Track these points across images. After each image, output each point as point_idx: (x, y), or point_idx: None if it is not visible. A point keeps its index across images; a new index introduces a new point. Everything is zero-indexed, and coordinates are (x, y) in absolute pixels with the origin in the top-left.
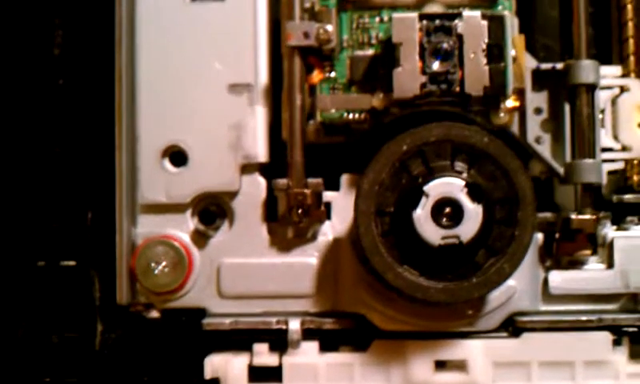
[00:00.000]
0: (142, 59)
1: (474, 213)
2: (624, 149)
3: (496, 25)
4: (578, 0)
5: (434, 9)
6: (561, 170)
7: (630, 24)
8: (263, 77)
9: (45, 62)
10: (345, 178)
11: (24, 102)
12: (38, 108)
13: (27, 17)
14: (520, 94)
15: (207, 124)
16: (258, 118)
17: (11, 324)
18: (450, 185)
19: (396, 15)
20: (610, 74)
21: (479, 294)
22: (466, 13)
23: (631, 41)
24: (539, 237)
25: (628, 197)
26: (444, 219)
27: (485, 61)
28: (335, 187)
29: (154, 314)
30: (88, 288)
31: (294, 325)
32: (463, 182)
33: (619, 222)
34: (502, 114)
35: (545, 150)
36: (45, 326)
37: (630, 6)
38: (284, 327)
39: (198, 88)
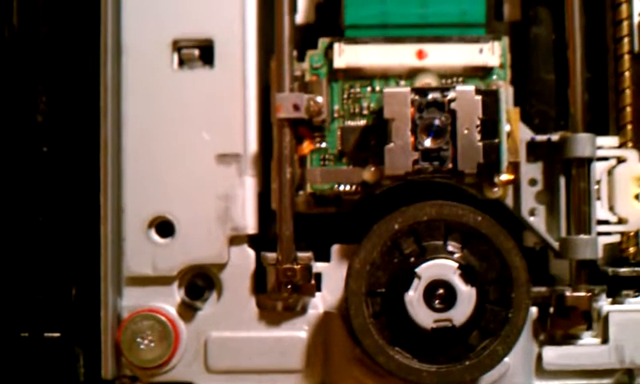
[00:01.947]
0: (128, 127)
1: (467, 295)
2: (620, 221)
3: (490, 100)
4: (574, 72)
5: (426, 80)
6: (555, 245)
7: (628, 92)
8: (252, 146)
9: (28, 129)
10: (335, 249)
11: (7, 169)
12: (22, 176)
13: (10, 83)
14: (514, 166)
15: (195, 194)
16: (247, 189)
17: None
18: (442, 267)
19: (387, 90)
20: (606, 144)
21: (472, 378)
22: (460, 88)
23: (628, 109)
24: (533, 311)
25: (624, 270)
26: (436, 301)
27: (478, 137)
28: (326, 257)
29: None
30: (72, 362)
31: None
32: (456, 264)
33: (614, 295)
34: (495, 189)
35: (539, 222)
36: None
37: (627, 74)
38: None
39: (185, 158)
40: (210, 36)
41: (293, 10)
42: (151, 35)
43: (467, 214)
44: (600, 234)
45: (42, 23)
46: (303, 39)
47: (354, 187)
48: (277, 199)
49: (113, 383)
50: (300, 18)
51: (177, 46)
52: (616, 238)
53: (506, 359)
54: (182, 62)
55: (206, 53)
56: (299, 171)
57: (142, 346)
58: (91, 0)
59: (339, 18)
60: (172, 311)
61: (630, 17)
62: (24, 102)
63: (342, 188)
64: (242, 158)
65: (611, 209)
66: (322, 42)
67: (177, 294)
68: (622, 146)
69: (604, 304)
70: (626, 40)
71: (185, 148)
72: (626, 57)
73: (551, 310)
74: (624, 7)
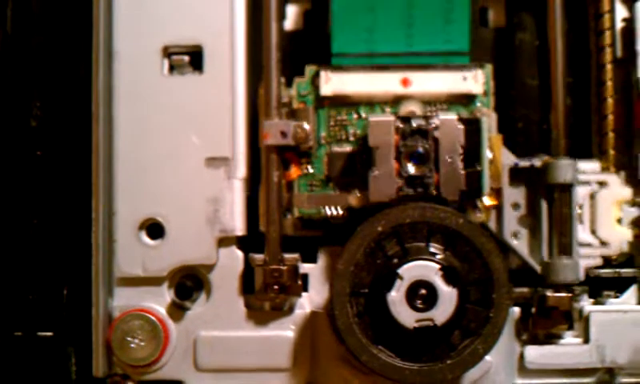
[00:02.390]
0: (119, 131)
1: (448, 296)
2: (602, 244)
3: (472, 128)
4: (556, 98)
5: (411, 107)
6: (538, 267)
7: (610, 118)
8: (241, 150)
9: (22, 134)
10: (322, 251)
11: (1, 173)
12: (16, 179)
13: (5, 88)
14: (497, 191)
15: (185, 197)
16: (236, 192)
17: None
18: (424, 268)
19: (372, 118)
20: (589, 169)
21: (453, 376)
22: (443, 116)
23: (610, 135)
24: (516, 311)
25: (605, 272)
26: (418, 302)
27: (461, 164)
28: (313, 258)
29: None
30: (64, 361)
31: None
32: (438, 265)
33: (596, 296)
34: (478, 213)
35: (522, 245)
36: None
37: (610, 100)
38: None
39: (175, 161)
40: (199, 42)
41: (281, 16)
42: (142, 42)
43: (449, 216)
44: (582, 256)
45: (35, 30)
46: (291, 63)
47: (340, 211)
48: (265, 218)
49: (104, 381)
50: (288, 25)
51: (167, 52)
52: (598, 261)
53: (490, 358)
54: (172, 68)
55: (195, 59)
56: (287, 195)
57: (132, 345)
58: (84, 7)
59: (325, 26)
60: (162, 311)
61: (613, 27)
62: (18, 107)
63: (328, 212)
64: (231, 161)
65: (593, 232)
66: (309, 69)
67: (166, 294)
68: (603, 170)
69: (586, 304)
70: (608, 49)
71: (175, 152)
72: (609, 66)
73: (533, 310)
74: (607, 16)
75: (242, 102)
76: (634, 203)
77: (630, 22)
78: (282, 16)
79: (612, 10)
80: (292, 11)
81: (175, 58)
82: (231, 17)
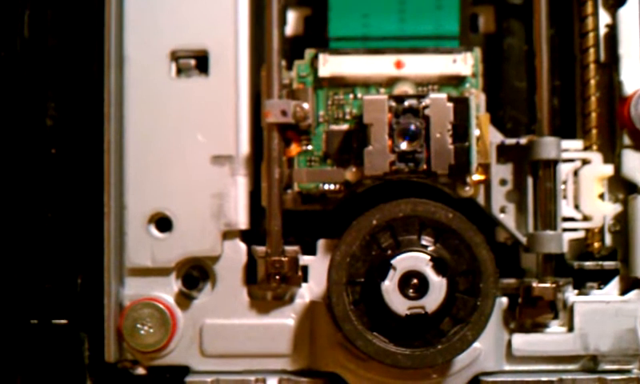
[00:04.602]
0: (129, 131)
1: (438, 285)
2: (585, 219)
3: (461, 107)
4: (541, 80)
5: (404, 88)
6: (524, 239)
7: (593, 99)
8: (244, 149)
9: (38, 133)
10: (321, 243)
11: (18, 170)
12: (32, 176)
13: (21, 89)
14: (485, 167)
15: (191, 193)
16: (239, 188)
17: (6, 379)
18: (416, 259)
19: (367, 97)
20: (572, 147)
21: (443, 360)
22: (433, 95)
23: (593, 115)
24: (504, 301)
25: (588, 264)
26: (410, 290)
27: (450, 140)
28: (312, 251)
29: (140, 370)
30: (78, 347)
31: (272, 382)
32: (429, 257)
33: (580, 287)
34: (467, 188)
35: (509, 219)
36: (38, 381)
37: (593, 82)
38: None
39: (182, 159)
40: (205, 47)
41: (282, 22)
42: (151, 46)
43: (440, 211)
44: (565, 230)
45: (50, 35)
46: (292, 50)
47: (337, 186)
48: (266, 197)
49: (115, 366)
50: (289, 30)
51: (175, 56)
52: (581, 234)
53: (479, 345)
54: (179, 71)
55: (201, 62)
56: (287, 171)
57: (142, 332)
58: (96, 14)
59: (324, 30)
60: (170, 300)
61: (596, 28)
62: (34, 107)
63: (326, 187)
64: (235, 159)
65: (576, 207)
66: (309, 52)
67: (174, 284)
68: (586, 148)
69: (570, 295)
70: (591, 50)
71: (182, 150)
72: (592, 66)
73: (520, 300)
74: (590, 20)
75: (245, 103)
76: (616, 200)
77: (612, 28)
78: (283, 22)
79: (595, 16)
80: (293, 17)
81: (182, 62)
82: (235, 23)
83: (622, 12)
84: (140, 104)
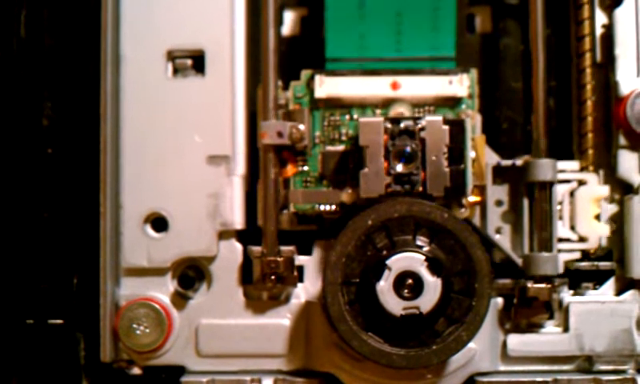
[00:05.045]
0: (125, 131)
1: (433, 285)
2: (581, 240)
3: (456, 129)
4: (537, 101)
5: (400, 109)
6: (519, 261)
7: (589, 119)
8: (240, 149)
9: (34, 132)
10: (317, 244)
11: (15, 170)
12: (28, 176)
13: (18, 89)
14: (481, 189)
15: (187, 192)
16: (235, 188)
17: (1, 379)
18: (411, 259)
19: (362, 119)
20: (568, 168)
21: (438, 361)
22: (429, 118)
23: (590, 135)
24: (499, 301)
25: (584, 264)
26: (405, 291)
27: (446, 163)
28: (308, 251)
29: (136, 370)
30: (74, 347)
31: (268, 383)
32: (423, 257)
33: (575, 288)
34: (463, 210)
35: (505, 240)
36: (34, 381)
37: (589, 102)
38: None
39: (178, 159)
40: (201, 47)
41: (278, 22)
42: (147, 46)
43: (435, 211)
44: (561, 251)
45: (47, 35)
46: (288, 51)
47: (333, 207)
48: (262, 210)
49: (111, 366)
50: (286, 31)
51: (171, 56)
52: (576, 255)
53: (474, 345)
54: (175, 71)
55: (197, 62)
56: (283, 192)
57: (137, 332)
58: (92, 14)
59: (320, 30)
60: (165, 300)
61: (593, 32)
62: (31, 107)
63: (322, 208)
64: (231, 159)
65: (572, 228)
66: (305, 73)
67: (170, 284)
68: (583, 169)
69: (565, 295)
70: (587, 50)
71: (178, 150)
72: (588, 70)
73: (515, 300)
74: (586, 23)
75: (242, 104)
76: (612, 200)
77: (608, 28)
78: (279, 22)
79: (592, 17)
80: (289, 17)
81: (179, 62)
82: (231, 23)
83: (619, 12)
84: (136, 104)
